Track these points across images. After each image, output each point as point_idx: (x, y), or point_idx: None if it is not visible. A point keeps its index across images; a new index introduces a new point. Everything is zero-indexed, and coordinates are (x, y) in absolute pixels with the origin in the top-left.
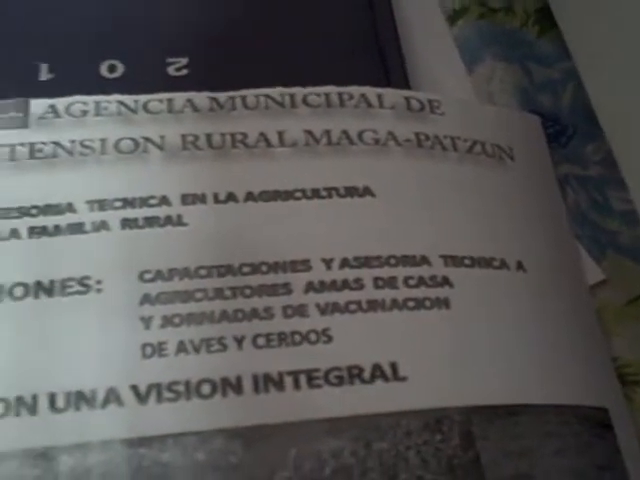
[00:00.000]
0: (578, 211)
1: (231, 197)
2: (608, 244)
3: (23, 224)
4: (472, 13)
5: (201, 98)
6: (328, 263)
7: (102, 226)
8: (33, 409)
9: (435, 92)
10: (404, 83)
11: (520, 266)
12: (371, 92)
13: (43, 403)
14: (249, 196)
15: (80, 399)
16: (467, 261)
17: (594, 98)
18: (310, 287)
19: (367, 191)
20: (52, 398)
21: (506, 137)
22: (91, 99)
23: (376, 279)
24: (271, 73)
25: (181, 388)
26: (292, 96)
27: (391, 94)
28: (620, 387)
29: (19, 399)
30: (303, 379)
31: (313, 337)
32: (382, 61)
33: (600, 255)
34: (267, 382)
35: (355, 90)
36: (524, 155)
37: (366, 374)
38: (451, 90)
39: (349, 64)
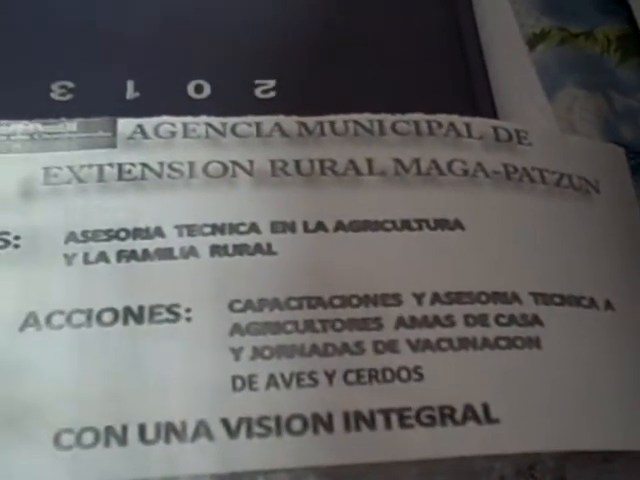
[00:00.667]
0: None
1: (321, 226)
2: None
3: (111, 248)
4: (552, 38)
5: (289, 122)
6: (419, 298)
7: (191, 252)
8: (123, 440)
9: (518, 121)
10: (492, 112)
11: (609, 305)
12: (459, 121)
13: (133, 434)
14: (339, 225)
15: (170, 431)
16: (557, 299)
17: None
18: (401, 322)
19: (457, 224)
20: (142, 429)
21: (592, 169)
22: (179, 120)
23: (467, 316)
24: (359, 97)
25: (271, 423)
26: (380, 123)
27: (479, 123)
28: None
29: (109, 429)
30: (394, 418)
31: (404, 374)
32: (470, 89)
33: None
34: (358, 420)
35: (444, 119)
36: (609, 188)
37: (458, 415)
38: (533, 119)
39: (438, 91)
